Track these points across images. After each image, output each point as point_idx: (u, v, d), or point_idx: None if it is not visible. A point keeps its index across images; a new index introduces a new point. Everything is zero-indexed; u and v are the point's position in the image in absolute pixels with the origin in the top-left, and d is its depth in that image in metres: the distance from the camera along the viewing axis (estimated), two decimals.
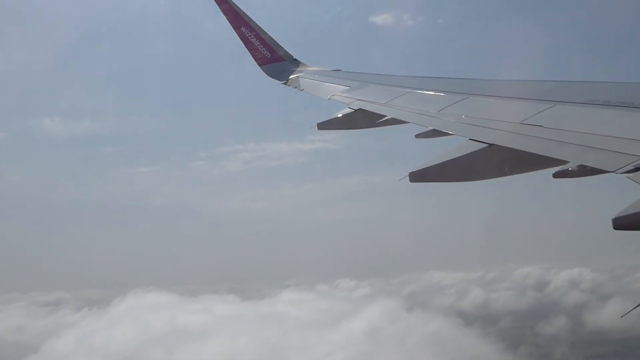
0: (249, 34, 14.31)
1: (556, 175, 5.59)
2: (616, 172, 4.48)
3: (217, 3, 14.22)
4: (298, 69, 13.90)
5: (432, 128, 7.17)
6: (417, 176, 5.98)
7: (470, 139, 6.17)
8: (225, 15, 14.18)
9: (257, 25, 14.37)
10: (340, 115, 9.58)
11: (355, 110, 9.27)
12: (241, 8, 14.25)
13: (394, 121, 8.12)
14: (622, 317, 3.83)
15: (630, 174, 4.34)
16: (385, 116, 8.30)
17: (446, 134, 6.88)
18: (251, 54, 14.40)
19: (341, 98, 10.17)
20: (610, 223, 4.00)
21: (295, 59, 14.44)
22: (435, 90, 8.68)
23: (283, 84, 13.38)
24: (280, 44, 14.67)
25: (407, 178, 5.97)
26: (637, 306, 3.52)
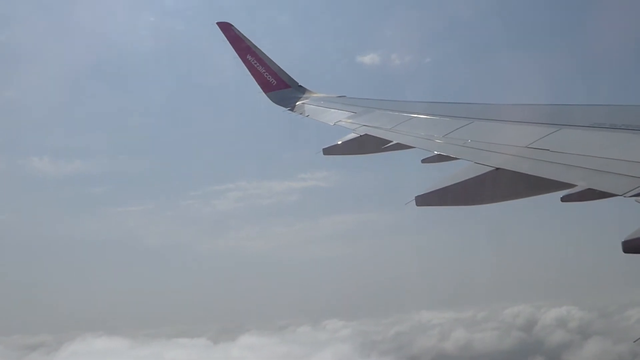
0: (255, 61, 14.46)
1: (564, 199, 5.55)
2: (624, 195, 4.45)
3: (222, 31, 14.42)
4: (304, 95, 13.99)
5: (438, 153, 7.17)
6: (424, 200, 5.96)
7: (476, 163, 6.16)
8: (230, 43, 14.37)
9: (262, 53, 14.54)
10: (345, 140, 9.60)
11: (361, 135, 9.29)
12: (246, 36, 14.45)
13: (400, 146, 8.12)
14: (634, 342, 3.75)
15: (639, 197, 4.30)
16: (391, 141, 8.30)
17: (452, 158, 6.87)
18: (257, 81, 14.52)
19: (347, 124, 10.21)
20: (618, 247, 3.97)
21: (300, 86, 14.56)
22: (441, 115, 8.70)
23: (289, 110, 13.46)
24: (286, 70, 14.83)
25: (414, 202, 5.95)
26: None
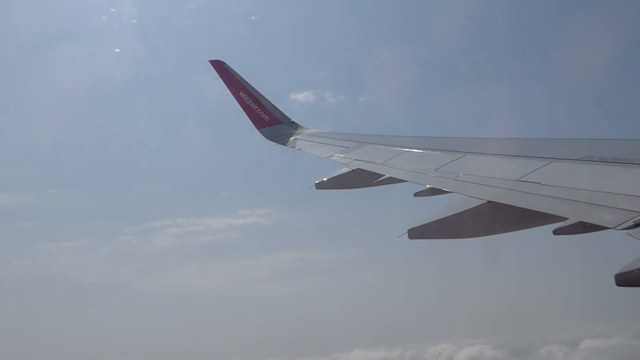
0: (247, 98, 14.59)
1: (556, 232, 5.56)
2: (616, 228, 4.46)
3: (215, 69, 14.58)
4: (297, 131, 14.08)
5: (430, 186, 7.19)
6: (416, 233, 5.95)
7: (468, 196, 6.18)
8: (223, 80, 14.52)
9: (255, 89, 14.69)
10: (338, 174, 9.62)
11: (354, 170, 9.32)
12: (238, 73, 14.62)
13: (392, 180, 8.15)
14: None
15: (630, 230, 4.31)
16: (383, 175, 8.34)
17: (444, 192, 6.89)
18: (249, 117, 14.63)
19: (339, 158, 10.26)
20: (610, 280, 3.96)
21: (293, 122, 14.66)
22: (432, 149, 8.77)
23: (282, 146, 13.52)
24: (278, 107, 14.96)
25: (406, 235, 5.94)
26: None
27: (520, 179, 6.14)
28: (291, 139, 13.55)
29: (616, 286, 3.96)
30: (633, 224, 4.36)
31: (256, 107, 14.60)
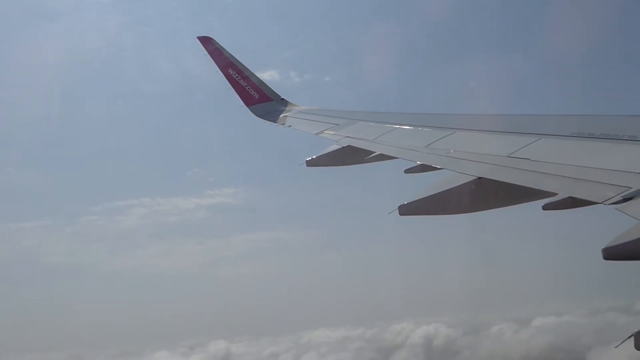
0: (236, 75, 14.44)
1: (546, 207, 5.60)
2: (604, 203, 4.51)
3: (203, 45, 14.40)
4: (286, 108, 13.99)
5: (420, 163, 7.20)
6: (407, 209, 5.98)
7: (458, 173, 6.21)
8: (211, 56, 14.35)
9: (244, 66, 14.53)
10: (328, 152, 9.60)
11: (344, 147, 9.31)
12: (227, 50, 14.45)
13: (383, 157, 8.15)
14: (615, 347, 3.79)
15: (619, 205, 4.36)
16: (373, 152, 8.33)
17: (435, 168, 6.91)
18: (239, 94, 14.49)
19: (330, 135, 10.23)
20: (598, 254, 4.02)
21: (283, 99, 14.55)
22: (423, 126, 8.76)
23: (272, 123, 13.44)
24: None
25: (397, 212, 5.97)
26: (629, 336, 3.49)
27: (510, 155, 6.17)
28: (281, 116, 13.46)
29: (604, 260, 4.03)
30: (621, 198, 4.41)
31: (245, 84, 14.46)
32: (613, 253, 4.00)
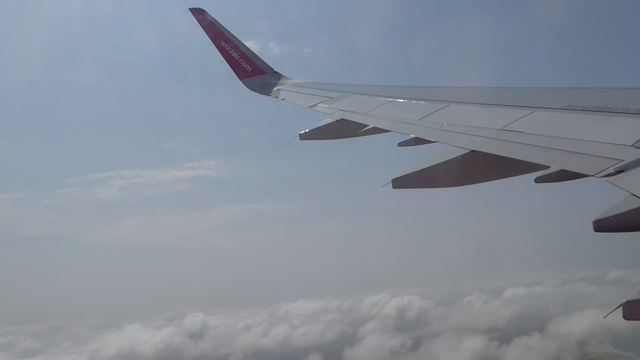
0: (229, 48, 14.29)
1: (538, 180, 5.63)
2: (596, 176, 4.53)
3: (195, 17, 14.21)
4: (279, 81, 13.89)
5: (414, 136, 7.20)
6: (400, 183, 6.00)
7: (452, 146, 6.21)
8: (204, 29, 14.17)
9: (237, 39, 14.37)
10: (321, 125, 9.57)
11: (337, 120, 9.28)
12: (220, 22, 14.26)
13: (376, 130, 8.14)
14: (604, 317, 3.85)
15: (610, 178, 4.39)
16: (367, 125, 8.31)
17: (428, 141, 6.91)
18: (231, 67, 14.35)
19: (323, 108, 10.19)
20: (588, 226, 4.06)
21: (276, 72, 14.44)
22: (416, 99, 8.73)
23: (265, 96, 13.36)
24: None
25: (390, 185, 5.99)
26: (617, 307, 3.54)
27: (504, 128, 6.17)
28: (274, 89, 13.37)
29: (594, 232, 4.07)
30: (613, 171, 4.44)
31: (238, 57, 14.31)
32: (603, 225, 4.05)
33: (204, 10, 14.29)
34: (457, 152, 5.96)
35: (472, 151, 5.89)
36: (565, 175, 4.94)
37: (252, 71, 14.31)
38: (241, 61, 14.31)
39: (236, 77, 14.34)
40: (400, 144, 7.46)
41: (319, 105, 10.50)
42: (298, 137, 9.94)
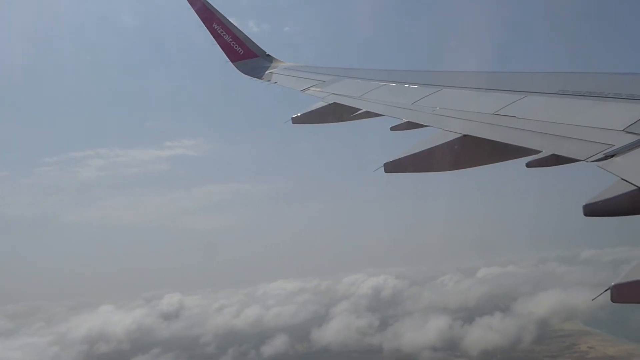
0: (221, 30, 14.16)
1: (529, 164, 5.65)
2: (587, 160, 4.56)
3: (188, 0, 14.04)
4: (272, 64, 13.81)
5: (406, 120, 7.20)
6: (392, 167, 6.01)
7: (444, 130, 6.22)
8: (196, 11, 14.02)
9: (229, 21, 14.23)
10: (314, 109, 9.54)
11: (330, 104, 9.25)
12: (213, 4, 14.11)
13: (369, 114, 8.13)
14: (592, 300, 3.90)
15: (600, 162, 4.41)
16: (359, 109, 8.30)
17: (421, 125, 6.91)
18: (223, 50, 14.24)
19: (315, 92, 10.15)
20: (579, 210, 4.09)
21: (268, 55, 14.34)
22: (409, 83, 8.71)
23: (257, 79, 13.28)
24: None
25: (382, 169, 6.00)
26: (605, 290, 3.58)
27: (496, 113, 6.18)
28: (267, 72, 13.29)
29: (584, 216, 4.10)
30: (603, 156, 4.46)
31: (230, 40, 14.19)
32: (593, 210, 4.08)
33: None
34: (450, 137, 5.97)
35: (465, 135, 5.90)
36: (556, 160, 4.96)
37: (244, 54, 14.20)
38: (233, 44, 14.19)
39: (228, 60, 14.26)
40: (393, 128, 7.46)
41: (311, 88, 10.46)
42: (291, 121, 9.91)
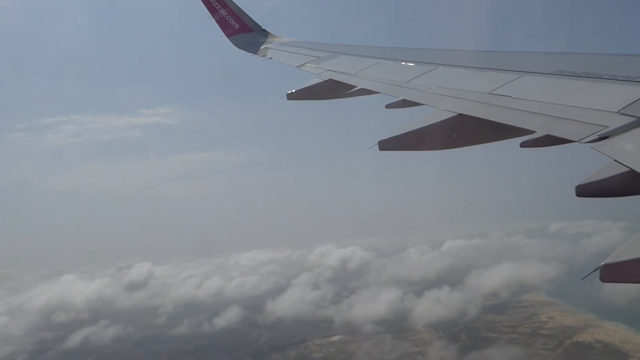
0: (216, 3, 14.00)
1: (523, 144, 5.67)
2: (580, 141, 4.57)
3: None
4: (267, 39, 13.69)
5: (402, 98, 7.17)
6: (386, 145, 6.00)
7: (439, 109, 6.21)
8: None
9: None
10: (309, 85, 9.49)
11: (325, 80, 9.20)
12: None
13: (364, 91, 8.10)
14: (582, 279, 3.95)
15: (594, 144, 4.43)
16: (355, 87, 8.26)
17: (416, 104, 6.90)
18: (218, 24, 14.09)
19: (311, 68, 10.09)
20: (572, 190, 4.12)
21: (264, 30, 14.21)
22: (405, 61, 8.66)
23: (252, 54, 13.17)
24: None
25: (377, 147, 5.99)
26: (595, 270, 3.62)
27: (492, 92, 6.17)
28: (262, 47, 13.19)
29: (576, 196, 4.14)
30: (597, 137, 4.48)
31: (225, 14, 14.04)
32: (585, 190, 4.12)
33: None
34: (445, 115, 5.97)
35: (460, 115, 5.90)
36: (550, 141, 4.97)
37: (240, 28, 14.07)
38: (229, 18, 14.04)
39: (223, 34, 14.12)
40: (388, 106, 7.44)
41: (307, 65, 10.39)
42: (286, 97, 9.86)
